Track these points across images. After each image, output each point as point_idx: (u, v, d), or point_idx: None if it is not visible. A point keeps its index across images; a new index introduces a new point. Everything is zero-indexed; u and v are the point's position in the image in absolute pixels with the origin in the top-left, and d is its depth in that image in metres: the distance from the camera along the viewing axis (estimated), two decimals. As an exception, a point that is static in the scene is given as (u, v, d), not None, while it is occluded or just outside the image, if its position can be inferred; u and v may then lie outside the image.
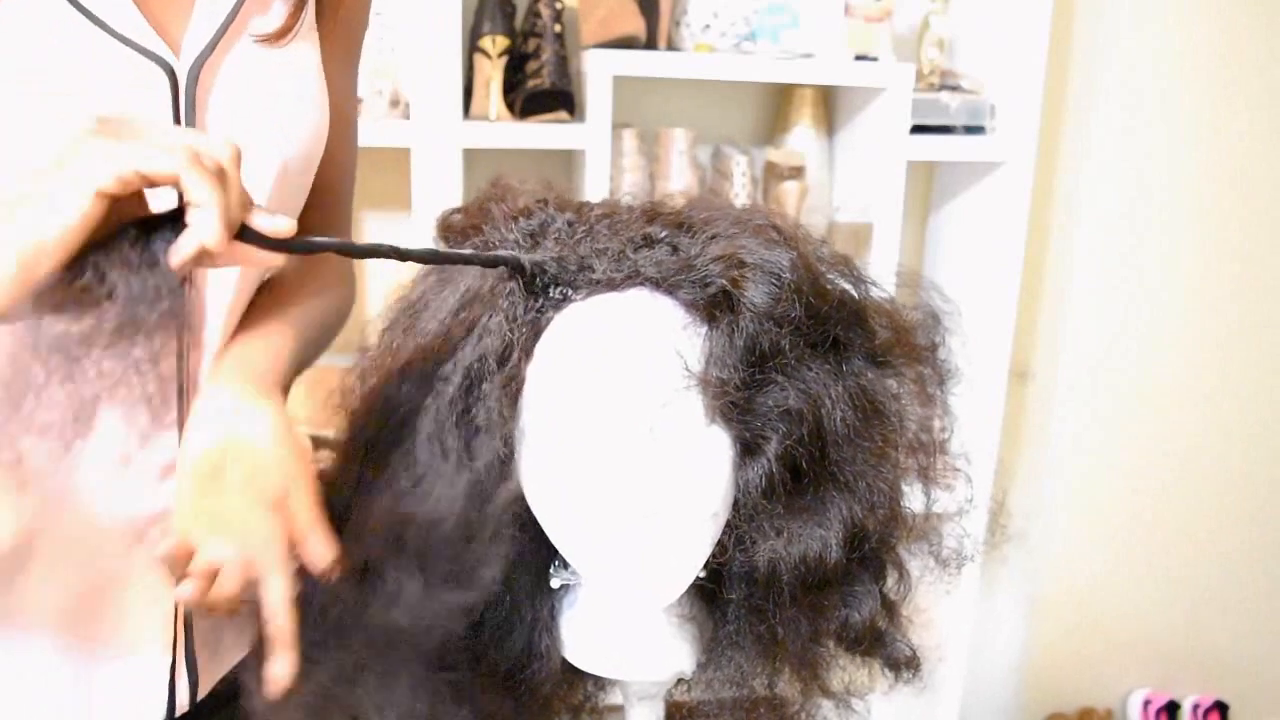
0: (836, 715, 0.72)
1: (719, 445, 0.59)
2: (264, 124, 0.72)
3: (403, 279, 0.71)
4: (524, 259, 0.60)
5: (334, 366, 0.76)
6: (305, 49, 0.76)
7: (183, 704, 0.80)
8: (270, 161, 0.73)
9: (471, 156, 1.68)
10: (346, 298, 0.88)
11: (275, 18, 0.72)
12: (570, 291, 0.60)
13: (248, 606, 0.62)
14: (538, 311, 0.60)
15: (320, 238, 0.58)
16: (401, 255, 0.59)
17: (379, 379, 0.64)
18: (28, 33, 0.62)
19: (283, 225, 0.55)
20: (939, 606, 1.81)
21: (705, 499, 0.59)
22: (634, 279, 0.60)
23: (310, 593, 0.61)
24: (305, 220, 0.82)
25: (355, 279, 0.92)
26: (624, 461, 0.57)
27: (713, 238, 0.61)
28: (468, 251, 0.60)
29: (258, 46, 0.72)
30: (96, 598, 0.74)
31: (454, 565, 0.59)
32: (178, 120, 0.68)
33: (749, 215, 0.63)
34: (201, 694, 0.82)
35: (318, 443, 0.67)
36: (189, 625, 0.79)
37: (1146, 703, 2.33)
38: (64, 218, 0.50)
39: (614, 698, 0.77)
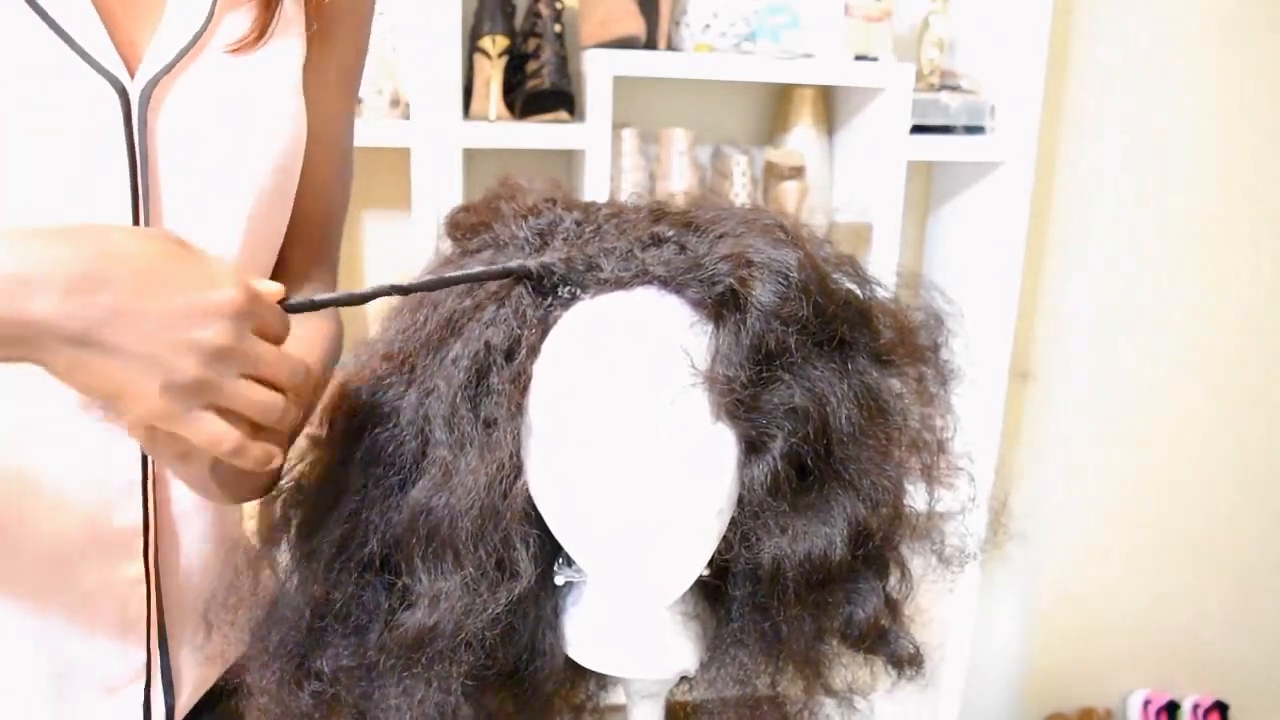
0: (839, 714, 0.72)
1: (725, 443, 0.59)
2: (227, 142, 0.70)
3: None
4: (532, 265, 0.60)
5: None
6: (283, 60, 0.73)
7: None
8: (238, 180, 0.71)
9: (471, 156, 1.68)
10: (338, 335, 0.85)
11: (245, 22, 0.70)
12: (579, 290, 0.61)
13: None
14: (546, 309, 0.60)
15: (322, 295, 0.58)
16: (406, 290, 0.59)
17: (384, 370, 0.63)
18: None
19: (274, 287, 0.56)
20: (940, 605, 1.81)
21: (711, 496, 0.59)
22: (642, 278, 0.60)
23: (329, 595, 0.61)
24: (288, 257, 0.80)
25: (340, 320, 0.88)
26: (630, 458, 0.58)
27: (720, 237, 0.61)
28: (476, 270, 0.60)
29: (229, 58, 0.70)
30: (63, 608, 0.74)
31: (487, 557, 0.59)
32: (129, 140, 0.66)
33: (755, 215, 0.63)
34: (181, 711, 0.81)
35: (314, 442, 0.66)
36: (164, 642, 0.78)
37: (1146, 703, 2.33)
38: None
39: (615, 697, 0.77)
